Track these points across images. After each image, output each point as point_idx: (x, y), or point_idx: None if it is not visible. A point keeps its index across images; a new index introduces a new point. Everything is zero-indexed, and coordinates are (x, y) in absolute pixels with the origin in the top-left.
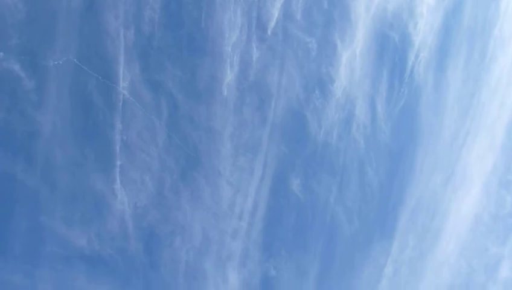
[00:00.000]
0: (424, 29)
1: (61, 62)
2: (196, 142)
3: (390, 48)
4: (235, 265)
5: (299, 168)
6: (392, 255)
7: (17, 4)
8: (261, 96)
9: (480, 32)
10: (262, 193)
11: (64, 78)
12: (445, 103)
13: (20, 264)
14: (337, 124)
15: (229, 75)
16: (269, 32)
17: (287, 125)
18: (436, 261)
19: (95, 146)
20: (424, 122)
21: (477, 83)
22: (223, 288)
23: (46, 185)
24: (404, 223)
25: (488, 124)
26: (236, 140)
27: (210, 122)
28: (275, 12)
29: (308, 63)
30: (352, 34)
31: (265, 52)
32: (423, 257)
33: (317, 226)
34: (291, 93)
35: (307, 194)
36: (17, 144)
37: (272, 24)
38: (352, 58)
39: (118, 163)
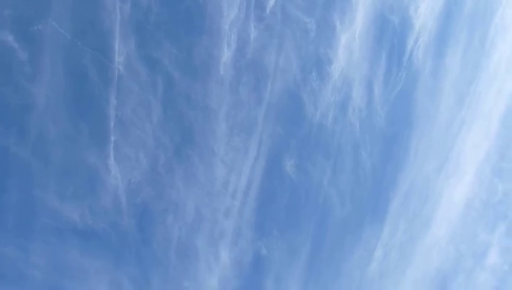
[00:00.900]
0: (424, 13)
1: (56, 35)
2: (191, 120)
3: (390, 31)
4: (227, 243)
5: (293, 149)
6: (383, 239)
7: None
8: (258, 76)
9: (481, 18)
10: (256, 172)
11: (58, 51)
12: (442, 89)
13: (13, 237)
14: (333, 106)
15: (226, 54)
16: (268, 11)
17: (283, 106)
18: (425, 246)
19: (89, 121)
20: (420, 107)
21: (475, 70)
22: (214, 265)
23: (39, 159)
24: (395, 207)
25: (484, 111)
26: (232, 119)
27: (205, 100)
28: None
29: (307, 44)
30: (352, 16)
31: (263, 31)
32: (413, 241)
33: (309, 208)
34: (288, 73)
35: (300, 175)
36: (10, 117)
37: (270, 3)
38: (351, 40)
39: (112, 139)
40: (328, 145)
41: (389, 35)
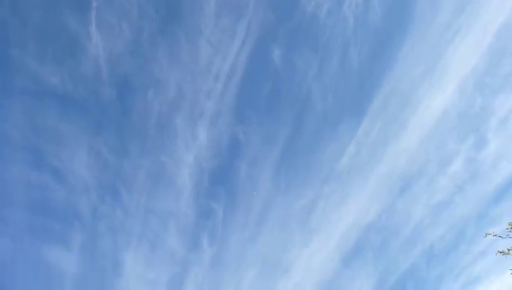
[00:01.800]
0: None
1: None
2: None
3: None
4: (206, 124)
5: (282, 38)
6: (358, 136)
7: None
8: None
9: None
10: (242, 57)
11: None
12: None
13: None
14: None
15: None
16: None
17: None
18: (396, 148)
19: None
20: (419, 10)
21: None
22: (191, 144)
23: (16, 18)
24: (375, 107)
25: (482, 22)
26: None
27: None
28: None
29: None
30: None
31: None
32: (386, 142)
33: (291, 98)
34: None
35: (286, 65)
36: None
37: None
38: None
39: (95, 4)
40: (318, 38)
41: None
